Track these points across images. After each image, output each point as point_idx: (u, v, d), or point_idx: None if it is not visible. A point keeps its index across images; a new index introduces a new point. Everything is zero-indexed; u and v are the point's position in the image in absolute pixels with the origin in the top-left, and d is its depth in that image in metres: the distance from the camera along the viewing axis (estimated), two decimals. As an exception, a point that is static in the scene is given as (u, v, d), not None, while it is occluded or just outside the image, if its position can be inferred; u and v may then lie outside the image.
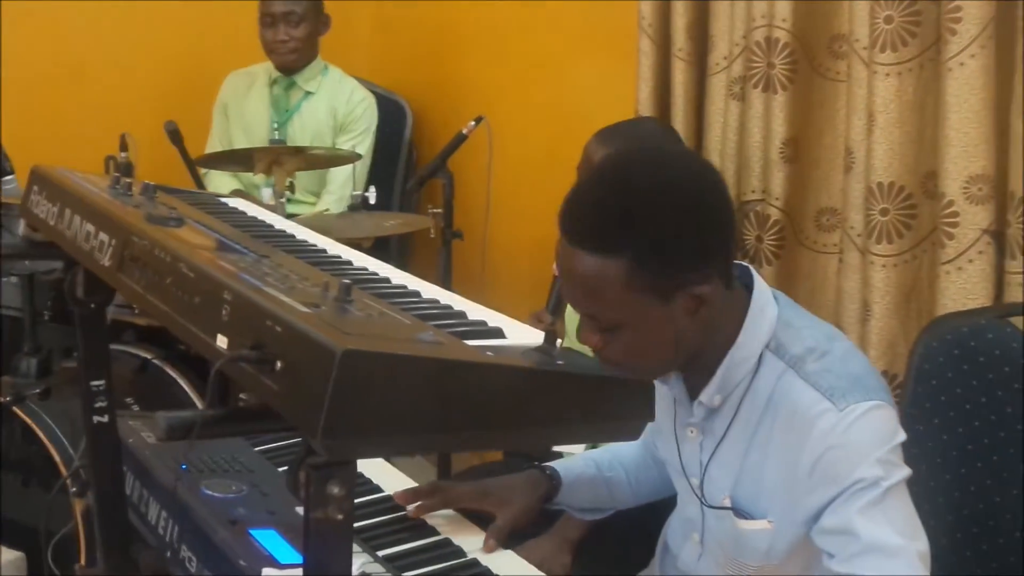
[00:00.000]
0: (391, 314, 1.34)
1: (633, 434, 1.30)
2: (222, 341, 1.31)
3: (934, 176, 2.74)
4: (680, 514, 2.15)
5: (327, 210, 4.28)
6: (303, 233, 1.91)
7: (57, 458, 3.15)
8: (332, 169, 4.37)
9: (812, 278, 3.13)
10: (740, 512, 1.93)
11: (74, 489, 3.09)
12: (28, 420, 3.19)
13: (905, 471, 1.80)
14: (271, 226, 1.95)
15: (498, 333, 1.39)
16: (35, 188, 2.03)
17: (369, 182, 4.30)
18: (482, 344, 1.32)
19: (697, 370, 1.92)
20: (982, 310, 2.53)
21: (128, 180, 1.92)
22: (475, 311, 1.48)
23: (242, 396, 3.91)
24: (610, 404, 1.29)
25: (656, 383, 1.88)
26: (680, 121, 3.30)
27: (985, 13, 2.57)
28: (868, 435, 1.78)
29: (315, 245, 1.81)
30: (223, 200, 2.20)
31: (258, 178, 4.15)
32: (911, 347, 2.40)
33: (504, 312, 1.52)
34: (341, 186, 4.33)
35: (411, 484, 2.24)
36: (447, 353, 1.22)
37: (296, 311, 1.23)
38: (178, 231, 1.62)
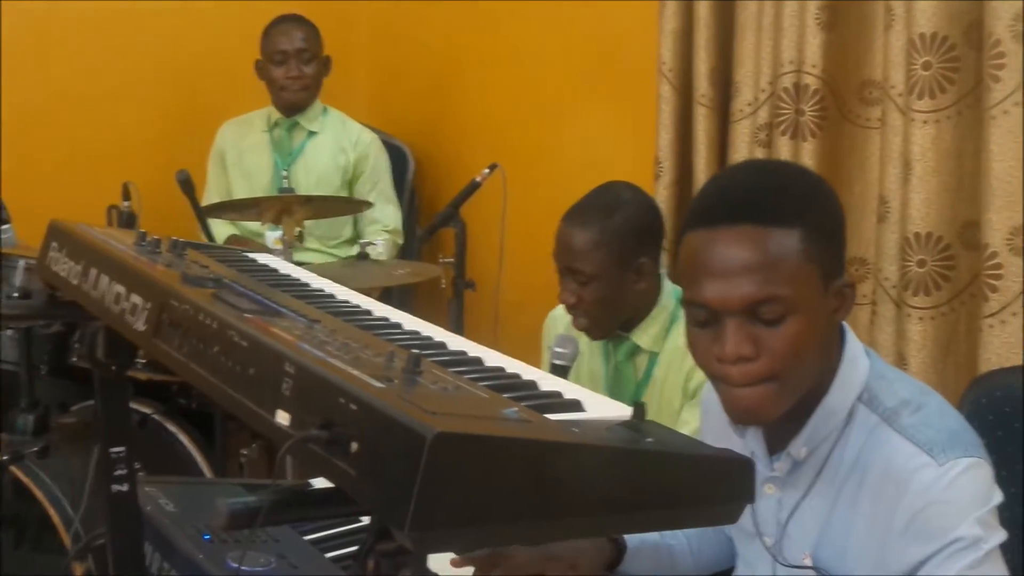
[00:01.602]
0: (466, 387, 1.23)
1: (732, 517, 1.21)
2: (283, 417, 1.20)
3: (972, 226, 2.68)
4: None
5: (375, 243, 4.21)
6: (343, 292, 1.80)
7: (57, 519, 3.05)
8: (380, 205, 4.35)
9: (843, 330, 3.05)
10: (822, 572, 1.84)
11: (73, 552, 2.99)
12: (26, 480, 3.09)
13: (1002, 534, 1.72)
14: (308, 285, 1.84)
15: (576, 406, 1.28)
16: (54, 244, 1.91)
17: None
18: (564, 418, 1.21)
19: (783, 420, 1.80)
20: (1034, 366, 2.45)
21: (156, 237, 1.82)
22: (545, 380, 1.38)
23: (243, 452, 3.78)
24: (709, 485, 1.19)
25: (731, 436, 1.90)
26: (703, 169, 3.23)
27: (1029, 60, 2.51)
28: (969, 493, 1.70)
29: (359, 306, 1.71)
30: (251, 255, 2.09)
31: (262, 225, 4.07)
32: (956, 404, 2.31)
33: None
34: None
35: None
36: (537, 433, 1.12)
37: (370, 386, 1.13)
38: (218, 293, 1.52)
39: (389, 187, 4.47)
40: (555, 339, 2.65)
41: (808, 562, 1.85)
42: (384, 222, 4.41)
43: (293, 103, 4.35)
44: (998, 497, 1.75)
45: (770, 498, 1.90)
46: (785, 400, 1.75)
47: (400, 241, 4.44)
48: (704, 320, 1.73)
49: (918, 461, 1.71)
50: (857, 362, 1.83)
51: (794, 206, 1.71)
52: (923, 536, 1.70)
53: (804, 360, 1.73)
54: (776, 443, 1.87)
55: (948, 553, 1.68)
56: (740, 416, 1.78)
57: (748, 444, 1.92)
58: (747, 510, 1.86)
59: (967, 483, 1.70)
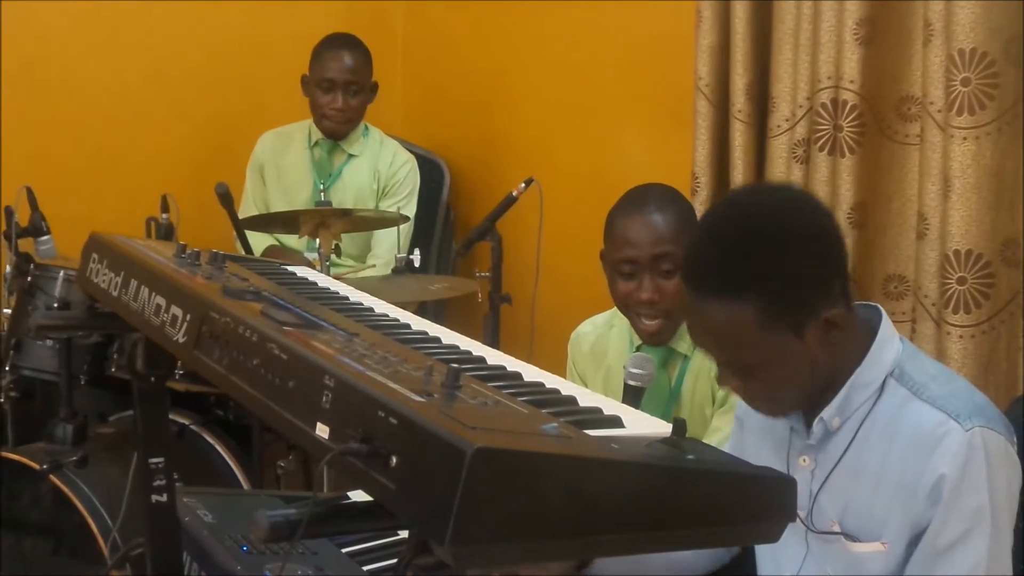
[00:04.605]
0: (505, 402, 1.23)
1: (773, 536, 1.20)
2: (322, 431, 1.21)
3: (1013, 244, 2.66)
4: (771, 560, 2.12)
5: (374, 271, 4.18)
6: (381, 306, 1.81)
7: (95, 528, 3.06)
8: (377, 233, 4.26)
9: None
10: (849, 537, 1.94)
11: (112, 561, 3.00)
12: (65, 488, 3.10)
13: (1014, 506, 1.85)
14: (347, 298, 1.85)
15: (616, 422, 1.28)
16: (94, 256, 1.92)
17: (412, 244, 4.20)
18: (604, 435, 1.21)
19: (819, 393, 1.94)
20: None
21: (195, 249, 1.83)
22: (584, 396, 1.38)
23: (280, 464, 3.77)
24: (749, 503, 1.19)
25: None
26: (739, 184, 3.21)
27: (1070, 75, 2.49)
28: (991, 462, 1.81)
29: (398, 320, 1.71)
30: (289, 269, 2.10)
31: (299, 240, 4.06)
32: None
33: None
34: (388, 250, 4.16)
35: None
36: (576, 449, 1.12)
37: (410, 401, 1.13)
38: (258, 306, 1.53)
39: (411, 213, 4.30)
40: (630, 359, 2.56)
41: (836, 528, 1.96)
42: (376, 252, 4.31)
43: (332, 132, 4.29)
44: (1018, 471, 1.86)
45: (804, 470, 2.00)
46: (787, 408, 1.96)
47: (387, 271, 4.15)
48: None
49: (946, 427, 1.82)
50: (890, 341, 1.94)
51: (748, 280, 1.80)
52: (942, 499, 1.80)
53: (790, 388, 1.90)
54: (813, 415, 1.97)
55: (962, 515, 1.80)
56: None
57: (789, 418, 2.03)
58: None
59: (990, 452, 1.80)
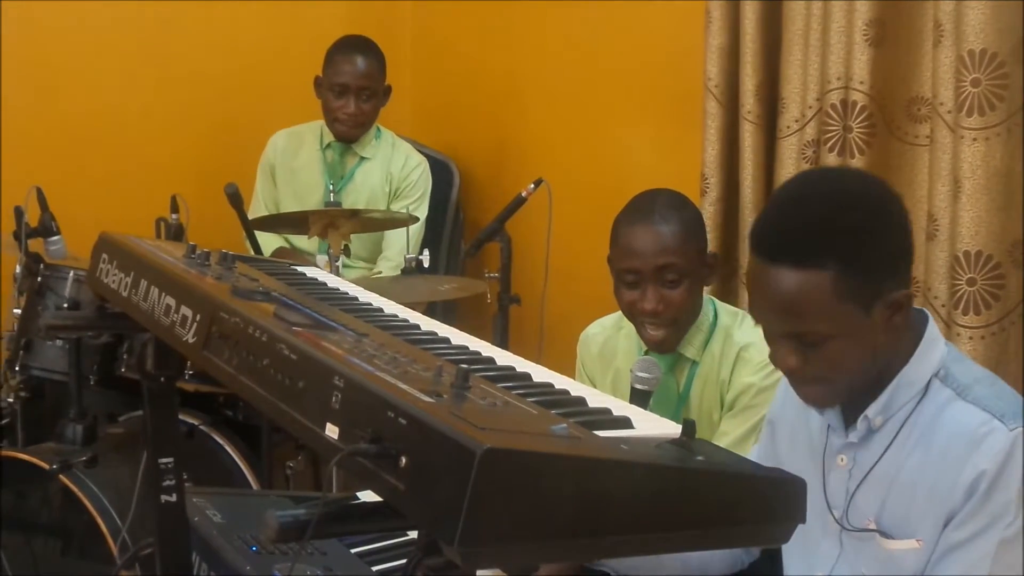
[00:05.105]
0: (514, 403, 1.23)
1: (783, 538, 1.20)
2: (332, 431, 1.21)
3: (1021, 245, 2.65)
4: (801, 561, 2.11)
5: (380, 273, 4.18)
6: (390, 306, 1.80)
7: (104, 529, 3.07)
8: (388, 235, 4.26)
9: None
10: (885, 534, 1.94)
11: (121, 561, 3.01)
12: (74, 488, 3.11)
13: None
14: (356, 299, 1.85)
15: (626, 423, 1.28)
16: (104, 256, 1.92)
17: (421, 245, 4.19)
18: (613, 436, 1.21)
19: (859, 394, 1.95)
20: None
21: (205, 249, 1.83)
22: (594, 397, 1.37)
23: (289, 464, 3.77)
24: (759, 505, 1.18)
25: (809, 412, 2.06)
26: (749, 185, 3.21)
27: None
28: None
29: (407, 320, 1.71)
30: (299, 269, 2.11)
31: (309, 242, 4.06)
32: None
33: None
34: (399, 252, 4.10)
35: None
36: (586, 450, 1.12)
37: (420, 401, 1.13)
38: (268, 306, 1.53)
39: (422, 215, 4.28)
40: (637, 363, 2.55)
41: (872, 527, 1.96)
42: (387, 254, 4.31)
43: (346, 136, 4.28)
44: None
45: (842, 470, 2.01)
46: (838, 395, 1.94)
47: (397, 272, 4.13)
48: (766, 334, 1.92)
49: (990, 426, 1.82)
50: (936, 343, 1.95)
51: (828, 246, 1.79)
52: (976, 494, 1.81)
53: (850, 369, 1.87)
54: (853, 414, 1.97)
55: (986, 512, 1.81)
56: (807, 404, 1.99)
57: (827, 417, 2.03)
58: (817, 485, 2.00)
59: None
